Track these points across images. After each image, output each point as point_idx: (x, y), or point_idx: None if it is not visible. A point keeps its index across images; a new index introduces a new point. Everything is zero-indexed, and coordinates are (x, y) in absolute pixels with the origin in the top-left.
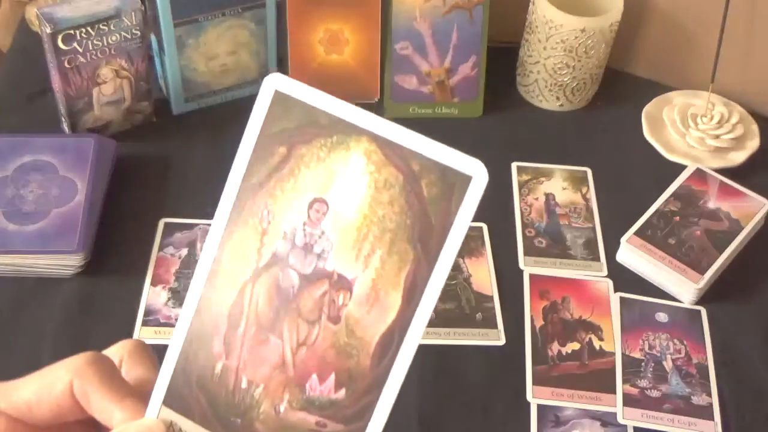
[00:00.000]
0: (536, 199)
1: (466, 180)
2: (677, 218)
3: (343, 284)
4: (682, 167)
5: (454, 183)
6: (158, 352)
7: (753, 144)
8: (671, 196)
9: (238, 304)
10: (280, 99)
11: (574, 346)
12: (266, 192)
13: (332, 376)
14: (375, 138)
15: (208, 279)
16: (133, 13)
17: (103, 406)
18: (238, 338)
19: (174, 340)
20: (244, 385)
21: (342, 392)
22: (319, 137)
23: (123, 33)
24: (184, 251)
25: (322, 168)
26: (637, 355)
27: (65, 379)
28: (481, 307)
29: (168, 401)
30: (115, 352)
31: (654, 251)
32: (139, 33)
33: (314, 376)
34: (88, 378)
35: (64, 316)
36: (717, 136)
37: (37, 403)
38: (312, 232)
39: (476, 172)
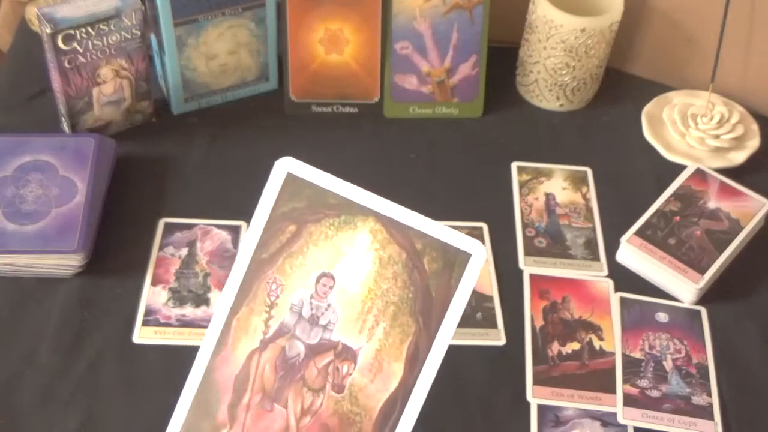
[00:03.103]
0: (536, 199)
1: (465, 257)
2: (677, 218)
3: (347, 354)
4: (682, 167)
5: (455, 260)
6: (158, 352)
7: (753, 144)
8: (671, 196)
9: (245, 372)
10: (291, 180)
11: (574, 346)
12: (276, 267)
13: None
14: (380, 218)
15: (216, 347)
16: (133, 13)
17: None
18: (242, 407)
19: (180, 406)
20: None
21: None
22: (328, 217)
23: (123, 33)
24: (184, 251)
25: (329, 245)
26: (637, 355)
27: None
28: (481, 307)
29: None
30: None
31: (654, 251)
32: (139, 33)
33: None
34: None
35: (64, 316)
36: (717, 136)
37: None
38: (318, 305)
39: (475, 251)
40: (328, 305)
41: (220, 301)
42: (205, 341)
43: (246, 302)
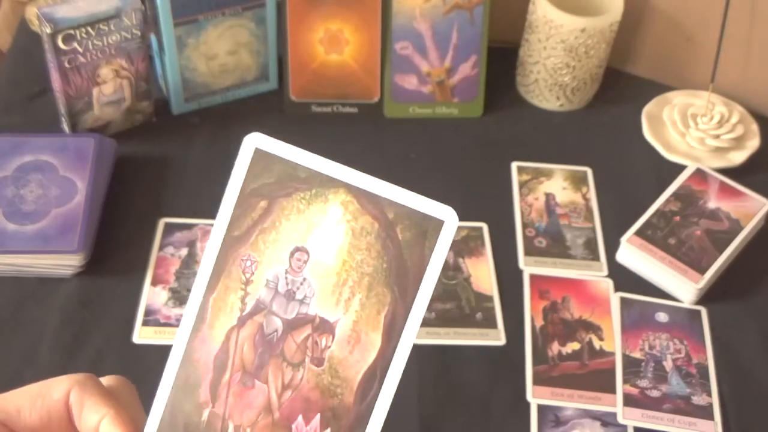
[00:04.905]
0: (536, 199)
1: (438, 224)
2: (677, 218)
3: (325, 327)
4: (682, 167)
5: (427, 228)
6: (158, 352)
7: (753, 144)
8: (671, 196)
9: (224, 351)
10: (260, 156)
11: (574, 346)
12: (249, 244)
13: (317, 417)
14: (351, 189)
15: (194, 328)
16: (133, 13)
17: (93, 417)
18: (223, 385)
19: (161, 389)
20: (230, 430)
21: (328, 431)
22: (299, 191)
23: (123, 33)
24: (184, 251)
25: (302, 219)
26: (637, 355)
27: (64, 387)
28: (481, 307)
29: None
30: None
31: (654, 251)
32: (139, 33)
33: (300, 418)
34: (88, 389)
35: (63, 316)
36: (717, 136)
37: (29, 407)
38: (294, 280)
39: (448, 217)
40: (304, 279)
41: (196, 280)
42: (183, 322)
43: (221, 280)
